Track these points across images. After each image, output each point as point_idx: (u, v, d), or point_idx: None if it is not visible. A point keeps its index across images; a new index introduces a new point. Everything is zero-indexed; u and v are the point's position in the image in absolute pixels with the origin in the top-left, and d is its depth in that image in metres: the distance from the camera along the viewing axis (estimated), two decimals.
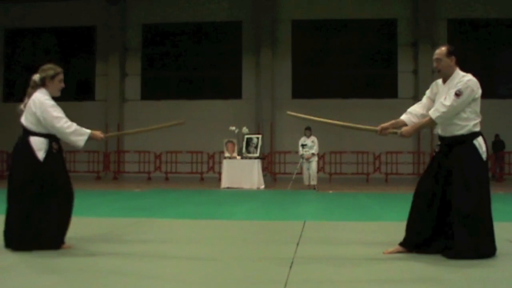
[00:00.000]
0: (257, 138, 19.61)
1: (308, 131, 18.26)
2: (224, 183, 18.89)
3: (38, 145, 6.19)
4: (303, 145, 18.18)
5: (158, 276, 5.11)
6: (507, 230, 8.03)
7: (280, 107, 25.80)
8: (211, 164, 25.59)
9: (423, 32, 26.03)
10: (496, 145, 24.97)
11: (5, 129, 27.27)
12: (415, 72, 26.22)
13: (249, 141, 19.55)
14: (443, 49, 6.18)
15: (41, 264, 5.54)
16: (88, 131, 6.37)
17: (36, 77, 6.50)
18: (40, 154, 6.18)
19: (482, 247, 5.83)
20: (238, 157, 19.28)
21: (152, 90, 27.58)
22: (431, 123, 6.14)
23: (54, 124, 6.15)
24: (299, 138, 18.56)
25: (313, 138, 18.15)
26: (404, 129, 6.32)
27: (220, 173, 20.84)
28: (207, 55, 27.69)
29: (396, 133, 6.38)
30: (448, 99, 5.92)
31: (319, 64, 26.67)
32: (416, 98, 25.38)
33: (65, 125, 6.18)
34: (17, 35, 29.14)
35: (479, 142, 5.98)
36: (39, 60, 28.66)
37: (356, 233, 7.86)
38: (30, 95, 6.39)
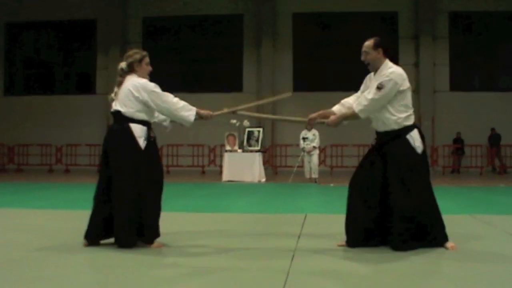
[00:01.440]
0: (258, 131, 19.60)
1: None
2: (225, 176, 18.90)
3: (139, 132, 6.01)
4: (304, 138, 18.16)
5: (159, 267, 5.15)
6: (509, 223, 8.02)
7: (281, 100, 25.75)
8: (212, 157, 25.59)
9: (424, 25, 26.01)
10: (493, 139, 24.99)
11: (5, 122, 27.37)
12: (416, 64, 26.18)
13: (250, 134, 19.56)
14: (370, 41, 6.14)
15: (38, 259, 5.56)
16: (194, 107, 6.20)
17: (123, 64, 6.36)
18: (141, 142, 6.00)
19: (426, 238, 5.88)
20: (239, 150, 19.29)
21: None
22: (355, 116, 6.10)
23: (166, 100, 6.07)
24: (300, 131, 18.54)
25: (314, 131, 18.12)
26: (330, 118, 6.28)
27: (221, 166, 20.84)
28: (208, 48, 27.67)
29: (323, 122, 6.36)
30: (371, 92, 5.90)
31: (320, 57, 26.62)
32: (417, 91, 25.41)
33: (175, 100, 6.11)
34: (18, 29, 29.12)
35: (413, 136, 5.95)
36: (39, 54, 28.97)
37: None
38: (120, 84, 6.34)
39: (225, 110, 6.71)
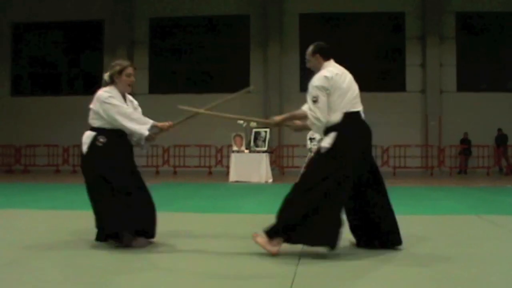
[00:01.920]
0: (265, 131, 19.61)
1: None
2: (232, 177, 18.92)
3: (85, 138, 6.19)
4: (311, 139, 18.11)
5: (167, 270, 5.15)
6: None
7: (288, 100, 25.79)
8: (219, 158, 25.61)
9: (431, 25, 25.96)
10: (499, 139, 24.95)
11: (12, 123, 27.45)
12: (423, 65, 26.15)
13: (257, 134, 19.57)
14: (309, 48, 6.18)
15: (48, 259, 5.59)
16: (151, 120, 6.25)
17: (105, 75, 6.47)
18: (84, 147, 6.15)
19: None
20: (246, 151, 19.30)
21: (160, 84, 27.61)
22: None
23: (118, 112, 6.13)
24: (307, 132, 18.51)
25: None
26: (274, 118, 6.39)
27: (228, 167, 20.85)
28: (215, 48, 27.69)
29: (289, 125, 6.54)
30: (311, 108, 5.81)
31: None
32: (424, 91, 25.39)
33: (128, 111, 6.20)
34: (25, 30, 29.19)
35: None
36: (46, 55, 29.03)
37: None
38: None
39: (184, 117, 6.74)
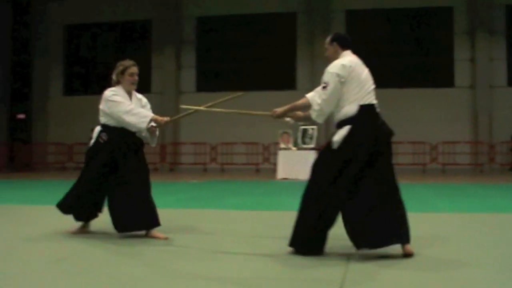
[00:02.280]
0: (312, 129, 19.57)
1: None
2: (280, 174, 18.93)
3: (94, 133, 6.84)
4: None
5: (213, 272, 5.12)
6: None
7: None
8: (266, 156, 25.65)
9: (480, 19, 25.52)
10: None
11: (65, 121, 27.97)
12: (472, 60, 25.73)
13: (304, 132, 19.55)
14: (328, 38, 6.06)
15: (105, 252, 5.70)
16: (150, 114, 6.68)
17: (113, 76, 6.97)
18: (91, 142, 6.83)
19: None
20: (294, 148, 19.30)
21: (207, 82, 27.76)
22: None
23: (119, 109, 6.59)
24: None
25: None
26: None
27: (275, 164, 20.87)
28: (261, 46, 27.70)
29: (291, 116, 6.42)
30: (318, 92, 5.69)
31: (374, 53, 26.40)
32: (473, 86, 25.01)
33: (128, 108, 6.60)
34: (77, 31, 29.76)
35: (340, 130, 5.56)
36: (97, 55, 29.49)
37: (414, 225, 7.77)
38: None
39: (180, 114, 7.30)
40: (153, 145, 6.96)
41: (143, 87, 30.90)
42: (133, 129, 6.61)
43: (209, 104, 7.01)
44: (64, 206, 6.86)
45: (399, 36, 26.17)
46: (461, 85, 25.64)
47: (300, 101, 6.01)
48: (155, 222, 6.58)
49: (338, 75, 5.54)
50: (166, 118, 6.67)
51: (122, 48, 28.62)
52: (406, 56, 26.13)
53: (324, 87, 5.58)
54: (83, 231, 6.91)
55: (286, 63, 27.37)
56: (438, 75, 26.18)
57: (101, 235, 6.76)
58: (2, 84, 28.46)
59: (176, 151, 27.00)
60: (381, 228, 5.34)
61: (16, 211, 9.66)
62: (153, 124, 6.58)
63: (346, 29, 26.74)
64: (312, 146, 19.20)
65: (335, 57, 5.84)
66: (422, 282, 4.57)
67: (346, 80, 5.53)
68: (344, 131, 5.47)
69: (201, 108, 6.86)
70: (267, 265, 5.23)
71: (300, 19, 27.31)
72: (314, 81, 26.28)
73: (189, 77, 28.11)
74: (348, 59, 5.68)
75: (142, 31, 28.97)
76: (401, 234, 5.41)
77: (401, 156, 24.40)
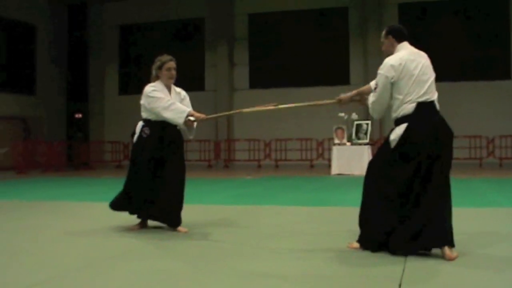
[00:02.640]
0: (367, 124, 19.43)
1: None
2: (334, 170, 18.86)
3: (137, 129, 7.06)
4: None
5: (272, 269, 5.12)
6: None
7: None
8: (320, 151, 25.56)
9: None
10: None
11: (120, 120, 28.39)
12: None
13: (358, 127, 19.43)
14: (383, 31, 5.97)
15: (161, 248, 5.77)
16: (187, 109, 6.88)
17: (152, 71, 7.16)
18: (134, 137, 7.04)
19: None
20: (348, 144, 19.20)
21: (260, 79, 27.80)
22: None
23: (158, 105, 6.81)
24: None
25: None
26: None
27: (329, 160, 20.79)
28: (314, 42, 27.60)
29: (359, 100, 6.30)
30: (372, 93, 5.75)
31: (425, 47, 25.95)
32: None
33: (166, 104, 6.80)
34: (131, 31, 30.18)
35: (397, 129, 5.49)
36: (150, 54, 29.87)
37: (472, 220, 7.67)
38: None
39: (221, 114, 7.89)
40: (191, 137, 7.15)
41: (197, 85, 31.31)
42: (172, 123, 6.85)
43: (248, 109, 7.25)
44: (116, 205, 7.09)
45: (452, 28, 25.73)
46: None
47: (365, 87, 6.20)
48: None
49: (386, 77, 5.52)
50: (202, 115, 6.88)
51: (175, 46, 28.87)
52: (461, 49, 25.68)
53: (375, 88, 5.67)
54: (141, 227, 7.04)
55: (339, 58, 27.22)
56: (494, 67, 25.66)
57: (157, 230, 6.86)
58: (60, 84, 29.08)
59: (230, 147, 27.12)
60: (430, 231, 5.16)
61: (77, 208, 9.88)
62: (190, 118, 6.76)
63: (399, 23, 26.39)
64: (366, 141, 19.07)
65: (391, 50, 5.79)
66: (482, 281, 4.48)
67: (397, 79, 5.48)
68: (400, 129, 5.41)
69: (245, 110, 7.33)
70: (324, 261, 5.19)
71: (352, 13, 27.12)
72: (367, 76, 26.15)
73: (242, 74, 28.21)
74: (399, 56, 5.58)
75: (195, 29, 29.19)
76: (447, 237, 5.19)
77: (457, 151, 23.93)
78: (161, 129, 6.91)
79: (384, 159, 5.58)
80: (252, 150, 26.27)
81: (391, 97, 5.54)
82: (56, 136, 27.95)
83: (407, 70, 5.48)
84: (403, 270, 4.71)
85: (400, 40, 5.81)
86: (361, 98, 6.23)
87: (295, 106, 7.03)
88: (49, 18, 28.63)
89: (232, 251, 5.69)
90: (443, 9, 26.17)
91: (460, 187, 13.42)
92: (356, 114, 19.30)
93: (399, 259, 5.09)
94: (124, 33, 30.32)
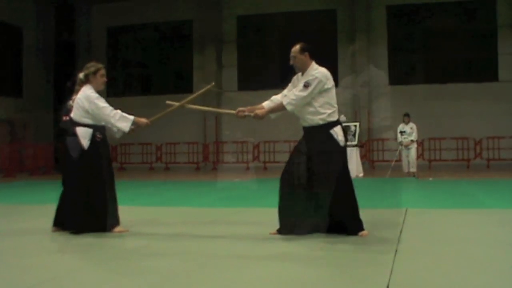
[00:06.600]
0: (355, 126, 19.48)
1: (406, 117, 18.01)
2: None
3: (83, 134, 6.88)
4: (402, 132, 17.92)
5: (258, 273, 5.09)
6: None
7: (377, 94, 25.53)
8: None
9: None
10: None
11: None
12: None
13: (347, 129, 19.43)
14: (297, 47, 6.76)
15: (161, 249, 5.74)
16: (132, 117, 6.97)
17: (81, 75, 7.28)
18: (85, 142, 6.86)
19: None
20: None
21: (249, 81, 27.79)
22: (283, 108, 6.67)
23: (104, 112, 6.83)
24: (397, 125, 18.31)
25: (412, 124, 17.86)
26: (258, 111, 6.83)
27: None
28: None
29: (250, 115, 6.87)
30: (298, 89, 6.49)
31: (413, 49, 26.14)
32: None
33: (112, 113, 6.87)
34: (119, 33, 30.07)
35: (336, 131, 6.56)
36: (138, 56, 29.78)
37: (461, 221, 7.69)
38: (77, 92, 7.19)
39: (159, 115, 7.47)
40: (117, 137, 7.27)
41: (186, 87, 31.21)
42: (115, 129, 7.00)
43: (185, 100, 7.34)
44: (81, 227, 6.86)
45: (441, 30, 25.81)
46: (505, 79, 25.19)
47: (258, 106, 7.04)
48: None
49: (321, 81, 6.54)
50: (145, 120, 7.10)
51: (163, 48, 28.83)
52: (448, 51, 25.77)
53: (305, 86, 6.53)
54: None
55: (327, 60, 27.05)
56: (482, 69, 25.77)
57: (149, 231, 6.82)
58: (47, 86, 28.89)
59: (218, 150, 27.07)
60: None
61: None
62: (132, 127, 6.94)
63: (387, 25, 26.52)
64: (354, 143, 19.10)
65: (305, 65, 6.77)
66: (465, 281, 4.49)
67: (329, 86, 6.64)
68: (340, 130, 6.79)
69: (178, 104, 7.49)
70: (314, 259, 5.21)
71: (340, 16, 27.18)
72: (356, 78, 26.21)
73: (231, 76, 28.19)
74: (326, 71, 6.66)
75: (183, 31, 29.15)
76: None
77: (444, 152, 24.18)
78: (104, 133, 7.07)
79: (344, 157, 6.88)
80: (240, 152, 26.25)
81: (318, 103, 6.50)
82: (43, 138, 27.77)
83: (331, 83, 6.61)
84: (393, 261, 4.78)
85: (312, 58, 6.74)
86: (254, 114, 6.85)
87: (202, 109, 8.21)
88: (35, 20, 28.46)
89: (221, 254, 5.65)
90: (431, 12, 26.28)
91: (449, 188, 13.47)
92: (344, 116, 19.31)
93: (391, 250, 5.11)
94: (112, 34, 30.18)
